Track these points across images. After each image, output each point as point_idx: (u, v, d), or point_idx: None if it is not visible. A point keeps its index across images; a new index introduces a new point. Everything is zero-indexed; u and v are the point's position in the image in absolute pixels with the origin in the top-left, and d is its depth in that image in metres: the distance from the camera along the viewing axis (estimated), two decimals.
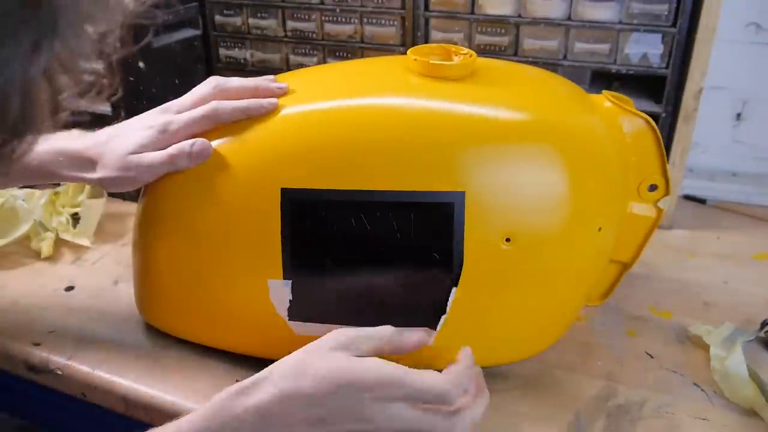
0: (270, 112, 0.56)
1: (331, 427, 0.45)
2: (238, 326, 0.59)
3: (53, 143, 0.60)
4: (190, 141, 0.56)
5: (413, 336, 0.52)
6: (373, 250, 0.53)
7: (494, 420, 0.55)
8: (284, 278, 0.54)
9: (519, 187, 0.53)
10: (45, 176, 0.61)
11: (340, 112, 0.55)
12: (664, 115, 0.79)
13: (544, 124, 0.56)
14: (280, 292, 0.55)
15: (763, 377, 0.57)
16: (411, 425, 0.46)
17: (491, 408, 0.56)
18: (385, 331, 0.51)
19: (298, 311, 0.56)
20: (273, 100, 0.57)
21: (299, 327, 0.56)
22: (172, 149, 0.57)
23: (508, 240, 0.53)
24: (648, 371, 0.61)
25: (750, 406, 0.56)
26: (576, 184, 0.54)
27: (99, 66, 0.33)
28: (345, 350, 0.48)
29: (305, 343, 0.56)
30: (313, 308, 0.55)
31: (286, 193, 0.53)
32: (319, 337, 0.51)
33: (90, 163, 0.59)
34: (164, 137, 0.57)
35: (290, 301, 0.55)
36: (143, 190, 0.61)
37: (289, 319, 0.56)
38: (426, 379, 0.46)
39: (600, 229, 0.57)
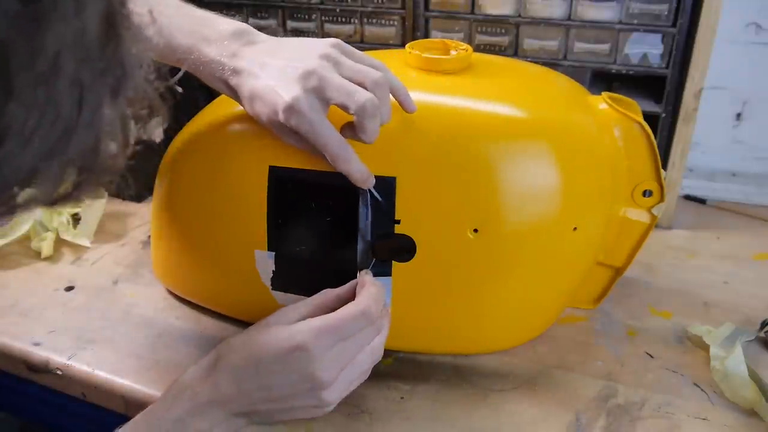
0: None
1: (283, 402, 0.49)
2: (232, 291, 0.63)
3: None
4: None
5: (341, 289, 0.55)
6: (347, 228, 0.56)
7: (494, 420, 0.55)
8: (268, 250, 0.57)
9: (490, 179, 0.54)
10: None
11: None
12: (664, 115, 0.79)
13: (529, 118, 0.56)
14: (265, 263, 0.58)
15: (763, 377, 0.57)
16: (348, 356, 0.50)
17: (491, 408, 0.57)
18: (314, 296, 0.54)
19: (280, 282, 0.59)
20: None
21: (281, 297, 0.59)
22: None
23: (475, 230, 0.54)
24: (648, 371, 0.61)
25: (750, 406, 0.56)
26: (551, 183, 0.55)
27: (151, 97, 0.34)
28: (277, 324, 0.51)
29: None
30: (293, 280, 0.58)
31: (273, 170, 0.56)
32: None
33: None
34: None
35: (273, 271, 0.58)
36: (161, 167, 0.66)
37: (272, 289, 0.59)
38: (345, 312, 0.50)
39: (575, 228, 0.57)
